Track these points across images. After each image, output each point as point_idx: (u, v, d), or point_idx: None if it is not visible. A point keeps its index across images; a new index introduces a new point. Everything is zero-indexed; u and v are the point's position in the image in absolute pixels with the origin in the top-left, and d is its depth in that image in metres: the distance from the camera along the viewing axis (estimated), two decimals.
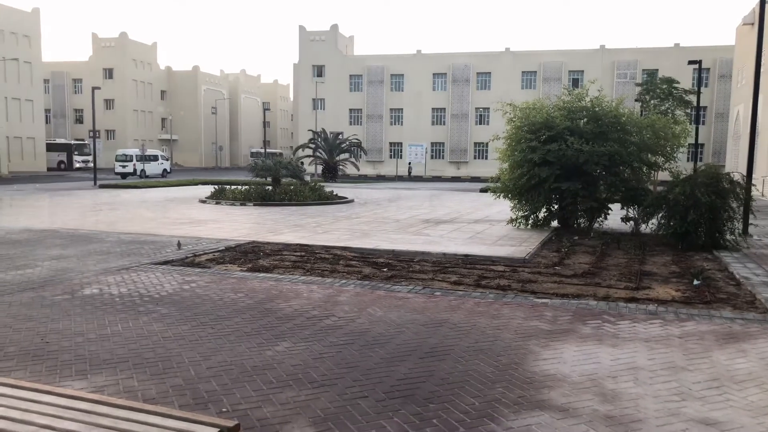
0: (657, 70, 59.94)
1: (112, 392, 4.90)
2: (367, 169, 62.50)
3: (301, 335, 6.54)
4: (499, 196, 16.91)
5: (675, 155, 15.55)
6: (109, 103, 76.20)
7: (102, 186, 35.11)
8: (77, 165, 63.13)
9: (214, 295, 8.36)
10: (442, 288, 9.00)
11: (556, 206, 16.49)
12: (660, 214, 13.77)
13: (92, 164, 48.27)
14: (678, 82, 35.20)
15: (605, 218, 16.04)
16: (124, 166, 49.35)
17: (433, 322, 7.10)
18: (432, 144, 68.23)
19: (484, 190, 35.48)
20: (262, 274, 9.87)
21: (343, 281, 9.36)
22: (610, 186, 15.53)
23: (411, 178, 58.96)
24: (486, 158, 66.81)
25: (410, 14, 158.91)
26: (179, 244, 13.14)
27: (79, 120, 77.53)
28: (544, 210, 16.36)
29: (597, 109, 15.98)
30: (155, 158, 53.25)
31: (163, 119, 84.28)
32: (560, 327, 6.93)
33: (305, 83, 71.59)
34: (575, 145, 14.88)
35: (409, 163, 63.88)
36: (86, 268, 10.17)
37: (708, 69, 58.91)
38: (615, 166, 15.20)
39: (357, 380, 5.25)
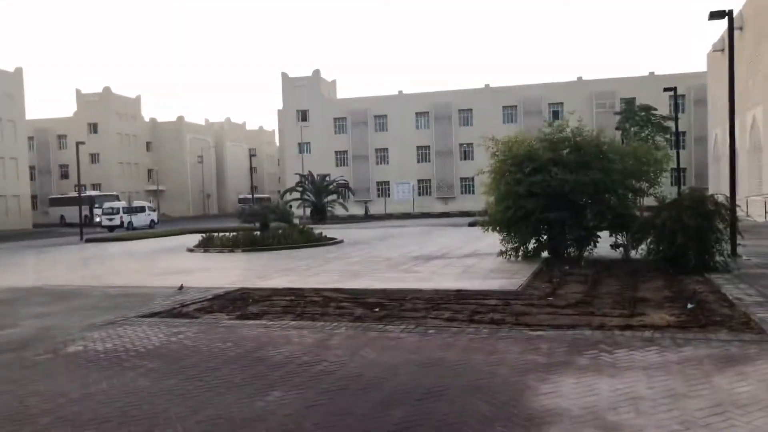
0: (634, 98, 60.82)
1: None
2: (355, 209, 62.45)
3: (293, 383, 6.35)
4: (488, 229, 16.88)
5: (658, 180, 15.66)
6: (94, 157, 76.12)
7: (89, 240, 34.79)
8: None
9: (203, 345, 8.16)
10: (435, 325, 8.85)
11: (545, 237, 16.47)
12: (648, 240, 13.76)
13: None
14: (656, 109, 35.75)
15: (595, 246, 16.02)
16: (111, 219, 49.03)
17: (427, 361, 6.94)
18: (419, 181, 68.49)
19: (472, 224, 35.54)
20: (251, 321, 9.68)
21: (335, 324, 9.19)
22: (597, 214, 15.56)
23: (367, 217, 59.01)
24: (473, 192, 67.01)
25: (391, 55, 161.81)
26: (181, 287, 13.23)
27: (65, 175, 77.31)
28: (533, 241, 16.33)
29: (578, 139, 16.12)
30: (142, 209, 53.01)
31: (149, 170, 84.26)
32: (557, 359, 6.80)
33: (290, 128, 72.08)
34: (559, 175, 14.94)
35: (366, 203, 64.52)
36: (70, 325, 9.94)
37: (683, 95, 59.88)
38: (600, 194, 15.26)
39: (351, 427, 5.07)
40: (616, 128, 38.68)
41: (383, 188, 69.44)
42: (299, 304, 11.22)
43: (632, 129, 31.76)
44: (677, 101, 24.49)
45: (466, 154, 67.53)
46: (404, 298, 11.41)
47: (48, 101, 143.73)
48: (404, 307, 10.47)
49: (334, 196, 54.76)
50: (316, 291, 12.59)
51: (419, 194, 67.93)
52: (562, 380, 6.06)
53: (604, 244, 16.29)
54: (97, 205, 58.65)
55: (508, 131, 64.46)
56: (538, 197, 15.19)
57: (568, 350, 7.17)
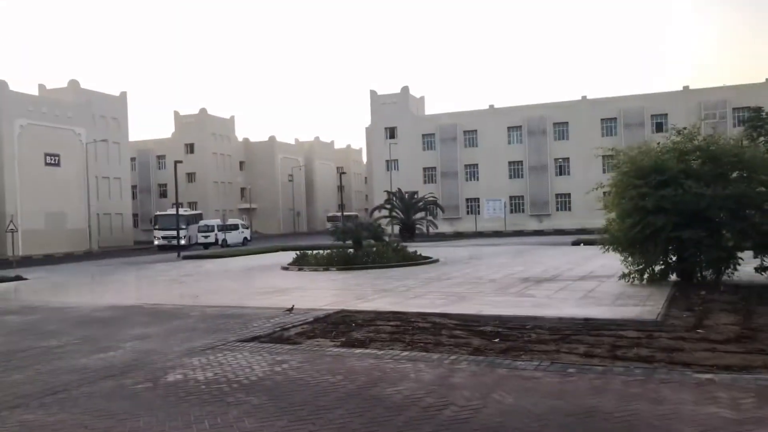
0: (749, 107, 56.61)
1: None
2: (444, 227, 61.22)
3: None
4: (608, 249, 15.30)
5: None
6: (191, 177, 78.97)
7: (185, 257, 35.45)
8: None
9: (310, 378, 7.29)
10: (572, 362, 7.60)
11: (673, 258, 14.73)
12: None
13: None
14: None
15: (735, 269, 14.13)
16: (206, 237, 50.21)
17: (580, 411, 5.73)
18: (510, 198, 66.41)
19: (576, 243, 33.64)
20: (358, 350, 8.76)
21: (453, 357, 8.11)
22: (739, 232, 13.69)
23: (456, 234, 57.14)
24: (569, 210, 64.41)
25: (481, 69, 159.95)
26: (291, 308, 12.76)
27: (163, 194, 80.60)
28: (660, 262, 14.62)
29: (713, 147, 14.35)
30: (236, 227, 54.07)
31: (242, 189, 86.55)
32: (748, 414, 5.42)
33: (378, 145, 72.02)
34: (694, 188, 13.25)
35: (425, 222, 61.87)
36: (170, 349, 9.38)
37: None
38: (742, 210, 13.41)
39: None
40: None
41: (473, 205, 67.82)
42: (407, 330, 10.22)
43: (761, 139, 28.90)
44: None
45: (562, 169, 64.95)
46: (524, 327, 10.18)
47: (148, 123, 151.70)
48: (527, 338, 9.25)
49: (422, 214, 53.84)
50: (423, 316, 11.56)
51: (511, 211, 65.83)
52: None
53: (745, 267, 14.36)
54: (183, 226, 56.58)
55: (607, 145, 61.49)
56: (668, 213, 13.55)
57: (758, 401, 5.76)
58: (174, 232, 46.80)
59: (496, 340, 9.16)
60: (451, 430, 5.38)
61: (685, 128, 15.10)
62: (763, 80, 60.10)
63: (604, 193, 16.11)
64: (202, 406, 6.36)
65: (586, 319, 10.49)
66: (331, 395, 6.57)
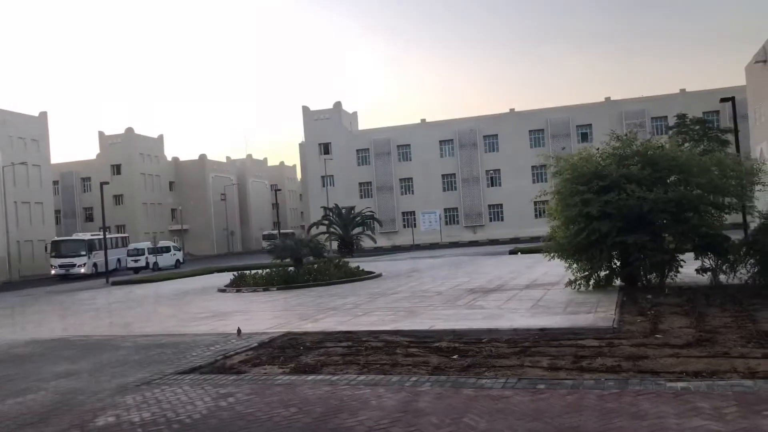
0: (665, 116, 59.27)
1: None
2: (382, 241, 60.96)
3: None
4: (553, 256, 15.22)
5: (749, 194, 13.91)
6: (118, 199, 75.83)
7: (114, 283, 33.62)
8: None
9: (261, 413, 6.60)
10: (539, 377, 7.22)
11: (617, 263, 14.77)
12: (750, 262, 12.03)
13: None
14: (711, 122, 34.10)
15: (677, 272, 14.27)
16: (136, 260, 48.06)
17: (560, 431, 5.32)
18: (445, 210, 66.99)
19: (513, 252, 33.89)
20: (311, 377, 8.12)
21: (413, 378, 7.59)
22: (680, 235, 13.84)
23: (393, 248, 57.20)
24: (502, 220, 65.53)
25: (411, 85, 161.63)
26: (239, 332, 12.02)
27: (89, 218, 77.01)
28: (605, 268, 14.62)
29: (651, 152, 14.52)
30: (167, 249, 52.04)
31: (173, 210, 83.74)
32: (736, 425, 5.14)
33: (313, 161, 71.31)
34: (637, 192, 13.31)
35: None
36: (100, 387, 8.45)
37: (717, 111, 57.92)
38: (683, 213, 13.56)
39: None
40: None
41: (409, 218, 68.04)
42: (360, 351, 9.65)
43: (686, 144, 30.04)
44: (735, 111, 22.69)
45: (493, 180, 66.10)
46: (481, 341, 9.80)
47: (72, 144, 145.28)
48: (487, 353, 8.85)
49: (360, 228, 53.37)
50: (374, 334, 11.02)
51: (446, 223, 66.39)
52: None
53: (686, 270, 14.54)
54: (82, 252, 48.11)
55: (535, 155, 62.92)
56: (613, 218, 13.56)
57: (740, 410, 5.51)
58: (73, 260, 44.67)
59: (455, 357, 8.72)
60: None
61: (625, 134, 15.24)
62: (677, 91, 63.12)
63: (541, 202, 16.08)
64: None
65: (542, 329, 10.21)
66: (286, 431, 5.92)
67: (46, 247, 50.82)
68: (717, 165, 13.99)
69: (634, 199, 13.33)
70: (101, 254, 45.37)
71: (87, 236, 48.55)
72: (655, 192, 13.33)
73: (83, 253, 45.27)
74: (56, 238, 49.47)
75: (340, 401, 6.83)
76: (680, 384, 6.45)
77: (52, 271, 46.18)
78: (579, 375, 7.20)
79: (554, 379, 7.05)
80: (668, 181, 14.21)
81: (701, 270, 13.86)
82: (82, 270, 44.40)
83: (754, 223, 14.67)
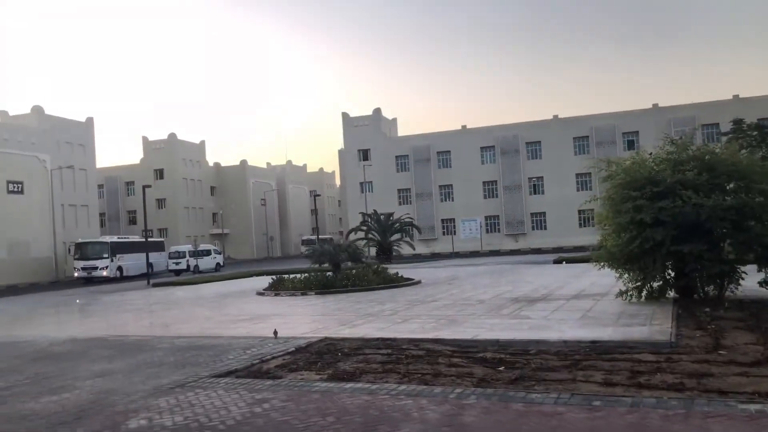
0: (717, 123, 57.28)
1: None
2: (420, 248, 60.42)
3: None
4: (603, 265, 14.55)
5: None
6: (160, 203, 77.17)
7: (155, 285, 33.96)
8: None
9: (297, 421, 6.27)
10: (594, 392, 6.71)
11: (671, 273, 14.03)
12: None
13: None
14: None
15: (737, 284, 13.46)
16: (177, 263, 48.58)
17: None
18: (486, 217, 66.00)
19: (558, 261, 32.99)
20: (349, 385, 7.76)
21: (458, 390, 7.16)
22: (741, 245, 13.05)
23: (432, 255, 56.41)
24: (545, 228, 64.24)
25: (452, 91, 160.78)
26: (276, 333, 11.93)
27: (133, 221, 78.54)
28: (658, 278, 13.90)
29: (708, 157, 13.76)
30: (208, 253, 52.53)
31: (213, 214, 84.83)
32: None
33: (351, 168, 71.28)
34: (693, 199, 12.60)
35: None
36: (133, 389, 8.26)
37: None
38: (744, 221, 12.78)
39: None
40: None
41: (448, 226, 67.30)
42: (400, 359, 9.24)
43: (743, 151, 28.73)
44: None
45: (536, 188, 64.87)
46: (528, 352, 9.30)
47: (116, 149, 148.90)
48: (535, 365, 8.35)
49: (399, 235, 52.92)
50: (414, 342, 10.59)
51: (487, 231, 65.41)
52: None
53: (746, 282, 13.70)
54: (105, 255, 47.35)
55: (580, 163, 61.49)
56: (667, 226, 12.86)
57: None
58: (96, 262, 44.02)
59: (502, 369, 8.25)
60: None
61: (680, 138, 14.52)
62: (730, 97, 61.05)
63: (586, 210, 15.41)
64: None
65: (594, 342, 9.64)
66: None
67: (69, 249, 50.24)
68: None
69: (691, 206, 12.61)
70: (127, 258, 46.11)
71: (111, 239, 48.05)
72: (713, 199, 12.60)
73: (106, 255, 44.80)
74: (80, 240, 48.82)
75: (380, 412, 6.45)
76: (755, 406, 5.86)
77: (75, 274, 46.17)
78: (637, 392, 6.67)
79: (611, 396, 6.54)
80: (727, 188, 13.45)
81: (765, 283, 13.03)
82: (104, 273, 43.71)
83: None
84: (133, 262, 45.78)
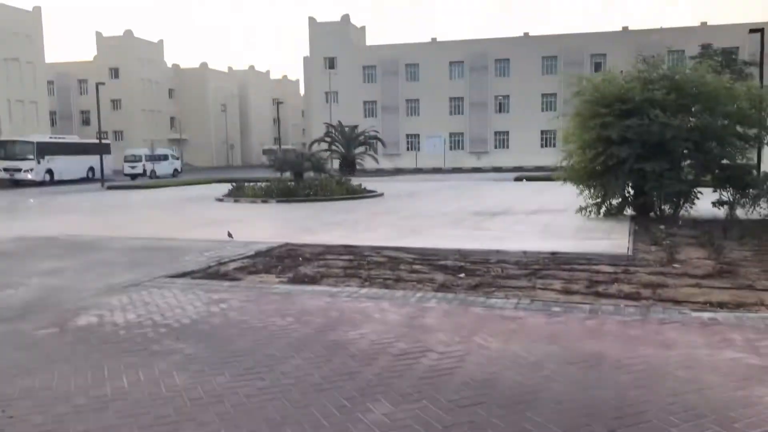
0: (683, 50, 57.17)
1: None
2: (384, 163, 60.05)
3: (398, 388, 4.32)
4: (565, 180, 14.60)
5: None
6: (116, 104, 74.23)
7: (110, 187, 33.10)
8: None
9: (255, 321, 6.16)
10: (553, 300, 6.76)
11: (631, 191, 14.18)
12: None
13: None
14: (735, 54, 32.82)
15: (693, 204, 13.70)
16: (133, 167, 47.27)
17: (581, 357, 4.86)
18: (450, 134, 65.64)
19: (518, 179, 33.25)
20: (309, 287, 7.66)
21: (419, 294, 7.13)
22: (700, 165, 13.18)
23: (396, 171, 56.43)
24: (507, 147, 64.41)
25: (423, 1, 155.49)
26: (229, 234, 11.88)
27: (86, 122, 75.60)
28: (618, 196, 14.04)
29: (678, 77, 13.63)
30: (165, 158, 51.22)
31: (172, 118, 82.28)
32: None
33: (317, 76, 69.30)
34: (660, 118, 12.55)
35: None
36: (84, 286, 8.01)
37: (737, 48, 55.84)
38: (706, 142, 12.84)
39: None
40: None
41: (413, 141, 66.86)
42: (362, 265, 9.17)
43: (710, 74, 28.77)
44: (763, 43, 21.55)
45: (502, 106, 64.45)
46: (488, 261, 9.32)
47: (68, 45, 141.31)
48: (495, 273, 8.38)
49: (363, 148, 52.39)
50: (376, 250, 10.53)
51: (451, 148, 65.22)
52: None
53: (700, 203, 13.96)
54: (30, 156, 42.77)
55: (547, 83, 61.17)
56: (632, 144, 12.85)
57: None
58: (19, 164, 39.28)
59: (462, 276, 8.25)
60: (435, 383, 4.40)
61: (652, 56, 14.31)
62: (698, 23, 60.76)
63: (548, 131, 15.30)
64: (121, 356, 5.15)
65: (553, 253, 9.72)
66: (282, 341, 5.47)
67: None
68: (747, 94, 13.15)
69: (657, 125, 12.58)
70: (60, 160, 41.94)
71: (38, 138, 43.51)
72: (679, 118, 12.57)
73: (31, 157, 40.57)
74: (2, 138, 44.74)
75: (340, 313, 6.38)
76: (707, 314, 5.97)
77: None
78: (595, 300, 6.74)
79: (570, 303, 6.59)
80: (692, 109, 13.41)
81: (718, 203, 13.28)
82: (30, 176, 39.56)
83: None
84: (68, 165, 42.09)
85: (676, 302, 6.62)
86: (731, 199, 13.13)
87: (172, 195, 26.54)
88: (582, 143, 13.59)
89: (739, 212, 13.18)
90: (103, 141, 48.85)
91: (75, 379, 4.64)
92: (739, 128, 13.53)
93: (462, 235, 11.99)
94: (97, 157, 41.72)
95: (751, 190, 12.66)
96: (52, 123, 66.25)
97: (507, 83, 63.64)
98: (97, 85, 35.51)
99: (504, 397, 4.14)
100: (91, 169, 43.90)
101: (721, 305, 6.43)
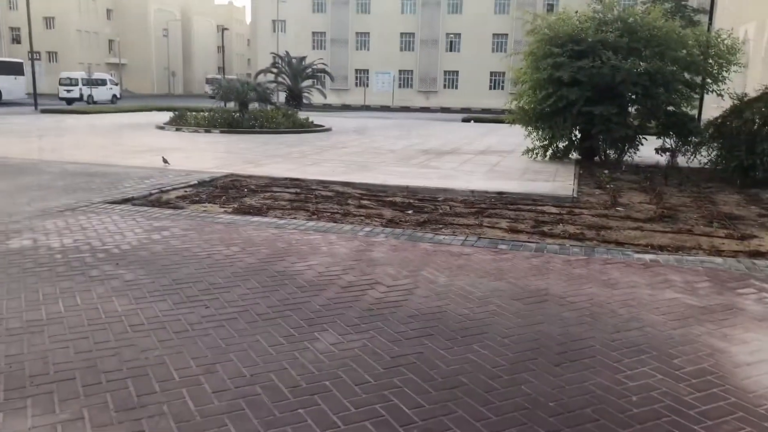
0: None
1: None
2: (331, 98, 59.00)
3: (346, 319, 4.29)
4: (513, 121, 14.63)
5: (722, 76, 13.36)
6: (48, 21, 69.82)
7: (44, 111, 31.39)
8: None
9: (199, 249, 5.98)
10: (498, 237, 6.82)
11: (577, 135, 14.35)
12: (714, 145, 11.79)
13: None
14: (685, 0, 33.17)
15: (636, 150, 13.99)
16: (69, 91, 44.87)
17: (527, 293, 4.93)
18: (400, 71, 64.77)
19: (466, 120, 33.31)
20: (255, 218, 7.48)
21: (367, 229, 7.07)
22: (647, 111, 13.39)
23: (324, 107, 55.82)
24: (456, 88, 64.11)
25: None
26: (165, 160, 11.78)
27: (16, 39, 70.99)
28: (564, 139, 14.19)
29: (631, 20, 13.64)
30: (103, 82, 48.75)
31: (110, 41, 78.10)
32: (712, 301, 4.86)
33: (264, 3, 66.57)
34: (612, 60, 12.60)
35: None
36: (16, 209, 7.60)
37: None
38: (654, 88, 12.99)
39: (483, 418, 3.06)
40: None
41: (362, 77, 65.69)
42: (309, 199, 9.02)
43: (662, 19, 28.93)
44: None
45: (453, 45, 63.69)
46: (436, 199, 9.34)
47: None
48: (442, 211, 8.40)
49: (310, 81, 51.14)
50: (324, 184, 10.38)
51: (399, 86, 64.51)
52: (752, 337, 4.12)
53: (643, 149, 14.29)
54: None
55: (499, 23, 60.50)
56: (582, 86, 12.91)
57: (714, 286, 5.23)
58: None
59: (410, 212, 8.23)
60: (383, 314, 4.38)
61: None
62: None
63: (497, 73, 15.21)
64: (56, 281, 4.92)
65: (500, 193, 9.78)
66: (227, 270, 5.33)
67: None
68: (696, 40, 13.30)
69: (608, 68, 12.63)
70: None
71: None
72: (630, 62, 12.65)
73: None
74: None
75: (287, 245, 6.26)
76: (648, 256, 6.14)
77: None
78: (541, 239, 6.84)
79: (516, 241, 6.66)
80: (643, 53, 13.49)
81: (661, 150, 13.60)
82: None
83: (716, 108, 14.34)
84: None
85: (619, 243, 6.78)
86: (673, 147, 13.44)
87: (111, 121, 25.40)
88: (533, 83, 13.55)
89: (680, 160, 13.55)
90: (11, 60, 44.15)
91: (8, 302, 4.41)
92: (686, 75, 13.74)
93: (410, 173, 11.92)
94: (11, 77, 38.89)
95: (693, 138, 12.97)
96: None
97: (459, 21, 62.74)
98: (27, 1, 33.02)
99: (451, 330, 4.16)
100: None
101: (661, 248, 6.62)
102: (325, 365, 3.57)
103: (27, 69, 39.07)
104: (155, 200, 8.53)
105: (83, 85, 45.62)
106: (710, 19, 21.28)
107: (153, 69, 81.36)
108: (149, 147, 15.32)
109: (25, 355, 3.60)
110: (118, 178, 10.19)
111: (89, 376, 3.35)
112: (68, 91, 44.91)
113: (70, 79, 46.01)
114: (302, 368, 3.52)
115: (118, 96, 49.92)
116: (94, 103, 43.90)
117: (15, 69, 40.91)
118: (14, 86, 40.90)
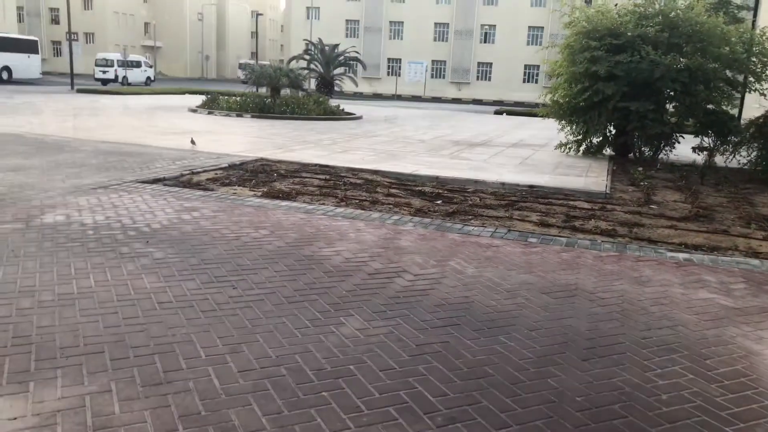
0: None
1: (70, 425, 2.63)
2: (363, 87, 58.86)
3: (372, 305, 4.27)
4: (546, 117, 14.42)
5: (766, 75, 12.99)
6: (87, 3, 70.79)
7: (80, 91, 31.91)
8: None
9: (227, 231, 6.01)
10: (528, 230, 6.74)
11: (612, 131, 14.10)
12: (755, 145, 11.48)
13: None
14: None
15: (673, 147, 13.70)
16: (104, 72, 45.49)
17: (556, 287, 4.85)
18: (433, 62, 64.37)
19: (499, 113, 32.97)
20: (284, 203, 7.50)
21: (395, 217, 7.03)
22: (685, 108, 13.08)
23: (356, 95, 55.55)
24: (489, 80, 63.48)
25: None
26: (192, 141, 12.03)
27: (55, 20, 72.17)
28: (599, 134, 13.95)
29: (673, 14, 13.31)
30: (138, 65, 49.33)
31: (146, 24, 78.90)
32: (747, 302, 4.73)
33: None
34: (651, 55, 12.32)
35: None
36: (51, 185, 7.73)
37: None
38: (693, 85, 12.68)
39: (508, 409, 3.01)
40: None
41: (394, 66, 65.40)
42: (338, 185, 9.02)
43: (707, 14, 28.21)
44: None
45: (487, 36, 63.00)
46: (466, 190, 9.26)
47: None
48: (472, 202, 8.32)
49: (342, 69, 51.11)
50: (353, 171, 10.36)
51: (432, 76, 64.11)
52: None
53: (680, 148, 13.98)
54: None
55: (535, 16, 59.69)
56: (619, 81, 12.66)
57: (749, 287, 5.10)
58: None
59: (439, 202, 8.17)
60: (409, 302, 4.35)
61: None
62: None
63: (532, 66, 14.98)
64: (88, 256, 4.99)
65: (531, 186, 9.67)
66: (255, 252, 5.35)
67: None
68: (740, 37, 12.93)
69: (647, 63, 12.35)
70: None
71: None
72: (670, 58, 12.35)
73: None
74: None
75: (315, 230, 6.26)
76: (682, 255, 6.01)
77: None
78: (572, 234, 6.73)
79: (546, 235, 6.57)
80: (684, 49, 13.17)
81: (698, 148, 13.28)
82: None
83: (758, 107, 13.95)
84: None
85: (652, 242, 6.65)
86: (711, 146, 13.13)
87: (145, 102, 25.73)
88: (569, 76, 13.32)
89: (718, 160, 13.23)
90: (24, 37, 41.95)
91: (41, 275, 4.48)
92: (728, 73, 13.39)
93: (440, 163, 11.84)
94: (17, 55, 37.04)
95: (732, 137, 12.65)
96: (19, 19, 62.99)
97: (494, 12, 62.01)
98: None
99: (478, 320, 4.11)
100: (6, 69, 37.73)
101: (696, 247, 6.47)
102: (350, 350, 3.56)
103: (48, 47, 36.84)
104: (186, 181, 8.60)
105: (118, 66, 46.21)
106: (755, 15, 20.63)
107: (187, 52, 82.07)
108: (181, 129, 15.47)
109: (56, 327, 3.65)
110: (150, 159, 10.31)
111: (117, 350, 3.39)
112: (104, 72, 45.52)
113: (106, 60, 46.63)
114: (327, 352, 3.51)
115: (152, 78, 50.45)
116: (129, 84, 44.46)
117: (28, 47, 38.70)
118: (27, 64, 38.81)
